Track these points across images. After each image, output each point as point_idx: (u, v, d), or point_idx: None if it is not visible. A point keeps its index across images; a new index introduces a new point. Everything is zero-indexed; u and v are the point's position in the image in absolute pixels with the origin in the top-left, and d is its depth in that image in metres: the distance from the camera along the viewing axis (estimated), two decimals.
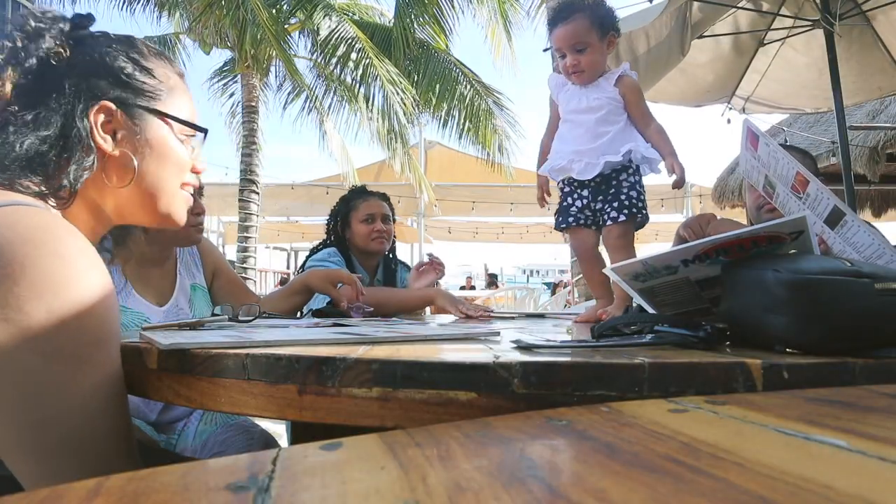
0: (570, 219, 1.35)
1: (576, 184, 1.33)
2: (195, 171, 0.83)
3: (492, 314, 1.61)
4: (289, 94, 8.30)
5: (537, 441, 0.35)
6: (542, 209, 1.49)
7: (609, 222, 1.28)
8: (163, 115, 0.76)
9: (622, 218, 1.27)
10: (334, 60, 7.01)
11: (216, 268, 1.58)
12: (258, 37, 6.10)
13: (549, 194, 1.45)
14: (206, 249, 1.57)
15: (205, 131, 0.83)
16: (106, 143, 0.71)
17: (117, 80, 0.73)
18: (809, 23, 2.96)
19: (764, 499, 0.23)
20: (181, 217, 0.81)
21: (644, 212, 1.29)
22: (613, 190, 1.28)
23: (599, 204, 1.30)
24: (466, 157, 9.48)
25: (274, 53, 6.71)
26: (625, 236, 1.28)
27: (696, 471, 0.27)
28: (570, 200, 1.35)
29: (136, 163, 0.73)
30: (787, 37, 3.17)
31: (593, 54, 1.29)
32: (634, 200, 1.28)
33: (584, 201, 1.33)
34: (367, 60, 6.72)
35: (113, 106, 0.71)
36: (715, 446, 0.31)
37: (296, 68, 6.93)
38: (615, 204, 1.28)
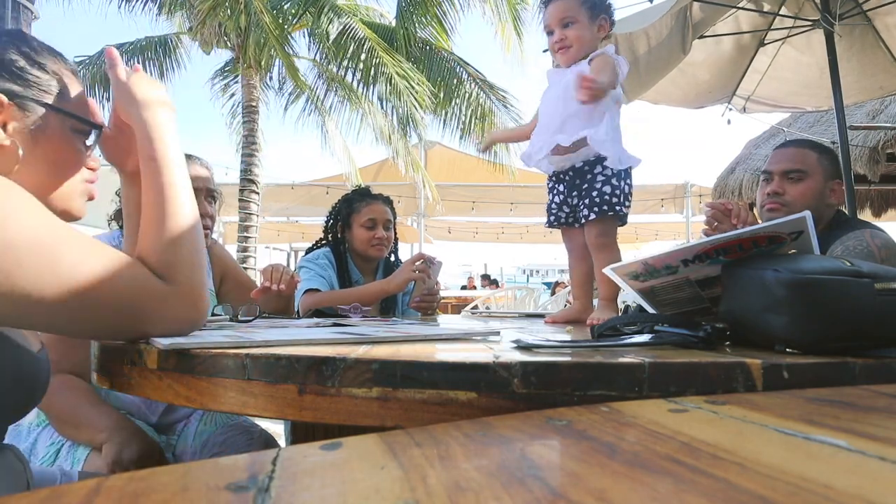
0: (552, 217, 1.34)
1: (554, 178, 1.31)
2: (90, 168, 0.83)
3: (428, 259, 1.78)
4: (290, 94, 8.30)
5: (537, 441, 0.35)
6: (544, 213, 1.46)
7: (583, 220, 1.24)
8: (56, 110, 0.77)
9: (592, 216, 1.21)
10: (345, 62, 7.00)
11: (224, 271, 1.59)
12: (262, 41, 6.10)
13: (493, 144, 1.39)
14: (216, 254, 1.58)
15: (99, 127, 0.83)
16: None
17: (9, 72, 0.74)
18: (809, 23, 2.96)
19: (764, 499, 0.23)
20: (78, 209, 0.82)
21: (618, 208, 1.21)
22: (587, 185, 1.23)
23: (575, 199, 1.26)
24: (466, 157, 9.47)
25: (274, 53, 6.69)
26: (604, 235, 1.23)
27: (696, 471, 0.27)
28: (551, 196, 1.34)
29: (20, 153, 0.74)
30: (788, 37, 3.17)
31: (580, 30, 1.26)
32: (608, 196, 1.21)
33: (561, 196, 1.30)
34: (378, 59, 6.71)
35: (4, 98, 0.73)
36: (715, 446, 0.31)
37: (296, 70, 6.90)
38: (587, 201, 1.22)
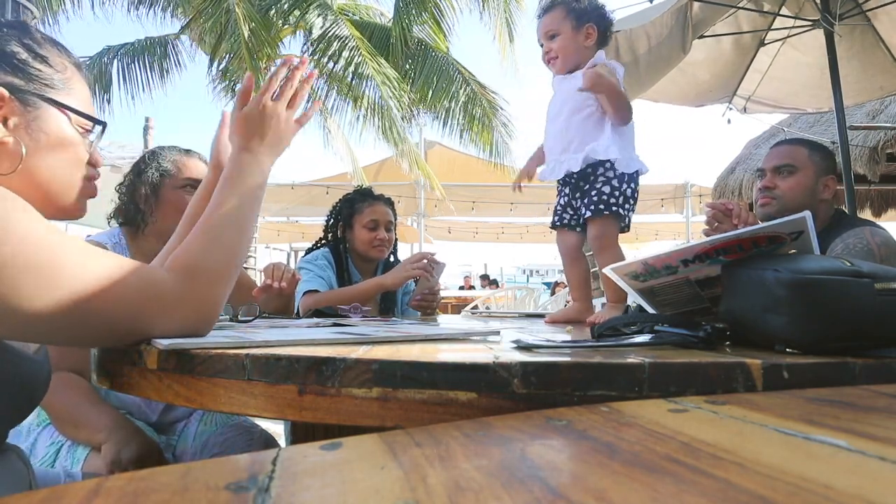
0: (556, 218, 1.37)
1: (562, 180, 1.34)
2: (93, 164, 0.81)
3: (433, 256, 1.77)
4: None
5: (537, 441, 0.35)
6: (543, 213, 1.51)
7: (582, 221, 1.28)
8: (59, 105, 0.74)
9: (588, 214, 1.24)
10: (325, 59, 6.99)
11: None
12: (236, 49, 6.13)
13: (528, 178, 1.46)
14: None
15: (102, 124, 0.81)
16: None
17: (10, 66, 0.71)
18: (810, 23, 2.96)
19: (764, 499, 0.23)
20: (80, 208, 0.80)
21: (615, 209, 1.22)
22: (588, 186, 1.26)
23: (577, 201, 1.30)
24: (466, 157, 9.47)
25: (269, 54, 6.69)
26: (601, 237, 1.24)
27: (696, 471, 0.27)
28: (557, 198, 1.38)
29: (23, 150, 0.70)
30: (788, 37, 3.17)
31: (564, 41, 1.31)
32: (606, 196, 1.22)
33: (566, 199, 1.33)
34: (360, 58, 6.71)
35: (5, 92, 0.69)
36: (715, 446, 0.31)
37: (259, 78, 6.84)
38: (585, 200, 1.25)
